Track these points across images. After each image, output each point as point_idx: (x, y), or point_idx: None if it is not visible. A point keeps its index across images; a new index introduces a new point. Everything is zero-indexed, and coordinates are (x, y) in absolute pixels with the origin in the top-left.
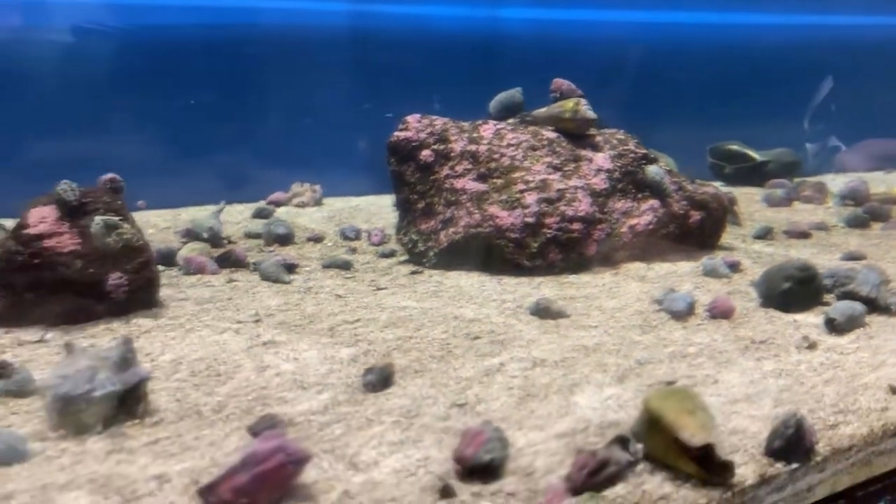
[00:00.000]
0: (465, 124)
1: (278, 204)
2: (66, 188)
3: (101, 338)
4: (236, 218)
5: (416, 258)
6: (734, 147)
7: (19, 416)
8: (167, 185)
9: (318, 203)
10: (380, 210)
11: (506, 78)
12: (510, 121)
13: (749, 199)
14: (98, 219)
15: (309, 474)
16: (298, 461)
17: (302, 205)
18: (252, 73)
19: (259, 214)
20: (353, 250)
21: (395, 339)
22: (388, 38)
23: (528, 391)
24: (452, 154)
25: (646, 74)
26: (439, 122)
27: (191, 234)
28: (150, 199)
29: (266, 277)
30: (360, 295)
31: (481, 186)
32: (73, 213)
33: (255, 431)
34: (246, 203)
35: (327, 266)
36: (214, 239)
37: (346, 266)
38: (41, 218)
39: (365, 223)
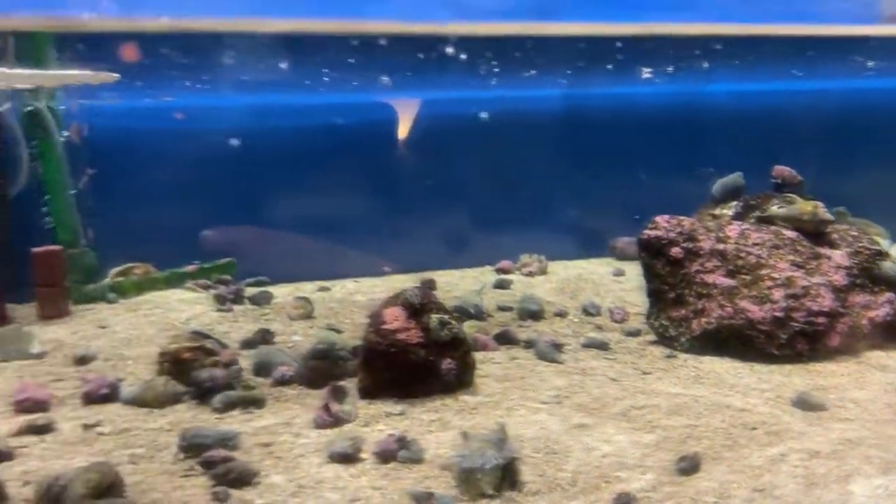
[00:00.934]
0: (711, 224)
1: (506, 271)
2: (412, 294)
3: (442, 412)
4: (476, 286)
5: (667, 341)
6: None
7: (431, 481)
8: (403, 249)
9: (543, 272)
10: (601, 279)
11: (716, 151)
12: (732, 203)
13: None
14: (434, 317)
15: None
16: None
17: (531, 274)
18: (481, 152)
19: (499, 286)
20: (599, 327)
21: (682, 426)
22: (599, 117)
23: (811, 479)
24: (701, 252)
25: (848, 138)
26: (686, 222)
27: (461, 311)
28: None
29: (542, 357)
30: (631, 379)
31: (730, 282)
32: (416, 312)
33: None
34: (472, 268)
35: (587, 346)
36: (479, 315)
37: (603, 346)
38: (395, 317)
39: (595, 296)
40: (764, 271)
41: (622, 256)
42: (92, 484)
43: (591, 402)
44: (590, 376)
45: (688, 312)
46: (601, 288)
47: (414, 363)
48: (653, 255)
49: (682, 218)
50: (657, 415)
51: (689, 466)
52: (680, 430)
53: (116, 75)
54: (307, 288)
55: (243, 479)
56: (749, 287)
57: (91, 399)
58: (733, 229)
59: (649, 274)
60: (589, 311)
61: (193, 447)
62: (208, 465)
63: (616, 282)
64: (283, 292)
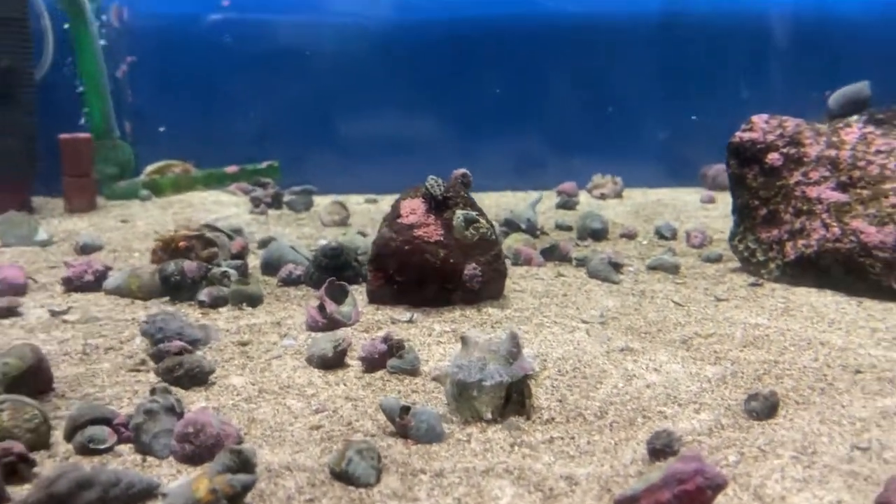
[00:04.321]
0: (823, 127)
1: (569, 194)
2: (434, 184)
3: (459, 323)
4: (539, 207)
5: (753, 268)
6: None
7: (419, 395)
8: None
9: (618, 195)
10: (685, 206)
11: (840, 69)
12: (854, 119)
13: None
14: (459, 213)
15: (718, 500)
16: (717, 486)
17: (603, 196)
18: (552, 65)
19: (564, 205)
20: (672, 251)
21: (759, 361)
22: (696, 31)
23: None
24: (806, 159)
25: None
26: (791, 123)
27: (510, 224)
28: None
29: (594, 275)
30: (700, 305)
31: (841, 197)
32: (438, 206)
33: (652, 447)
34: (532, 191)
35: (653, 267)
36: (531, 230)
37: (673, 269)
38: (412, 209)
39: (675, 220)
40: (888, 186)
41: (714, 186)
42: (5, 370)
43: (645, 326)
44: (648, 299)
45: (781, 233)
46: (683, 214)
47: (431, 265)
48: (744, 162)
49: (784, 118)
50: (727, 345)
51: (762, 408)
52: (755, 366)
53: None
54: (353, 199)
55: (194, 377)
56: (866, 204)
57: (72, 286)
58: (851, 133)
59: (738, 186)
60: (663, 234)
61: (150, 336)
62: (159, 357)
63: (703, 209)
64: (325, 202)
